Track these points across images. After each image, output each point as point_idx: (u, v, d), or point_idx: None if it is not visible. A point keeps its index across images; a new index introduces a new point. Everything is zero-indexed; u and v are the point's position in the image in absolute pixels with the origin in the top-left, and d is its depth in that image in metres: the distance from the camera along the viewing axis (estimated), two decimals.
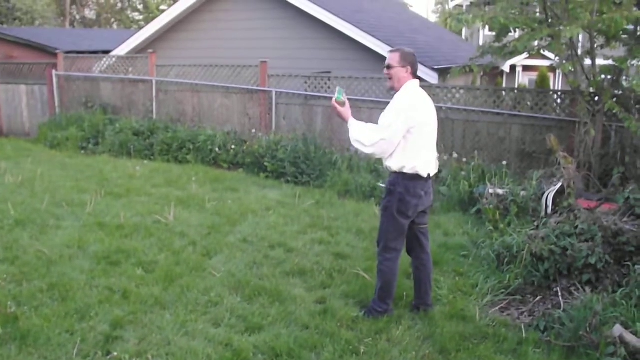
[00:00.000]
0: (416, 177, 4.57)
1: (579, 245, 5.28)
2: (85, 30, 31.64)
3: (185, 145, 11.13)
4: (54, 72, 14.03)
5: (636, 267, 4.86)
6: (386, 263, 4.76)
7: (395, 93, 4.65)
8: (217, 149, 10.76)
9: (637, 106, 7.72)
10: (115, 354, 4.15)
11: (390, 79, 4.66)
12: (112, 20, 43.32)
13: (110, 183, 9.19)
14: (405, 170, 4.56)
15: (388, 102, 4.68)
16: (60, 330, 4.42)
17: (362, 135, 4.57)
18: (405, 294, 5.14)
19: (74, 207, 7.72)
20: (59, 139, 12.61)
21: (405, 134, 4.48)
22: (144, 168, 10.36)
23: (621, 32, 7.95)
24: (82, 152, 12.15)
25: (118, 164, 10.80)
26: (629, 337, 4.01)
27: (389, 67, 4.64)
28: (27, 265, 5.65)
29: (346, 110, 4.70)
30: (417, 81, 4.70)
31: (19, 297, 4.96)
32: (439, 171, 5.12)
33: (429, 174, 4.65)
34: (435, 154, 4.88)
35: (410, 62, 4.61)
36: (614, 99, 7.73)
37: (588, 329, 4.26)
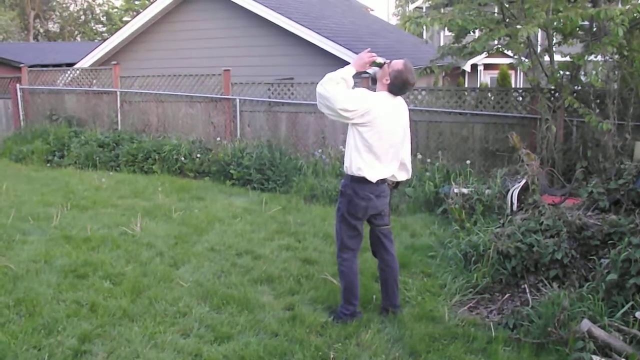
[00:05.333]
0: (363, 180, 4.59)
1: (545, 241, 5.33)
2: (49, 44, 31.34)
3: (151, 156, 11.04)
4: (18, 86, 13.92)
5: (602, 260, 4.90)
6: (345, 263, 4.80)
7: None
8: (182, 158, 10.69)
9: (597, 101, 7.87)
10: None
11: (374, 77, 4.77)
12: (76, 32, 42.89)
13: (76, 195, 9.07)
14: (354, 173, 4.59)
15: None
16: (27, 346, 4.35)
17: (330, 78, 4.50)
18: (374, 297, 5.16)
19: (40, 221, 7.61)
20: (24, 152, 12.41)
21: (358, 119, 4.46)
22: (110, 179, 10.25)
23: (577, 29, 8.13)
24: (48, 165, 11.97)
25: (84, 176, 10.66)
26: (597, 332, 4.03)
27: (384, 63, 4.67)
28: None
29: (361, 64, 4.62)
30: (388, 94, 4.67)
31: None
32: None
33: (379, 180, 4.66)
34: (406, 164, 4.92)
35: (396, 81, 4.58)
36: (574, 95, 7.89)
37: (556, 325, 4.29)
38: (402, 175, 4.95)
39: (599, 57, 7.91)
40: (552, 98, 8.37)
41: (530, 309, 4.71)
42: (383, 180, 4.72)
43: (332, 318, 4.83)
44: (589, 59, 7.79)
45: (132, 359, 4.24)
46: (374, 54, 4.63)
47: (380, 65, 4.67)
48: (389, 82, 4.62)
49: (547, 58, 8.50)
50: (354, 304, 4.84)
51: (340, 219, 4.76)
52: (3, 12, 33.26)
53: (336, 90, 4.43)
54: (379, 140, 4.55)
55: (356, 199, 4.63)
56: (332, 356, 4.28)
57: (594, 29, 8.06)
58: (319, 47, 12.32)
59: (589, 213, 5.81)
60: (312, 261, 6.20)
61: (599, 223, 5.42)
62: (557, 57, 8.49)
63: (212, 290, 5.37)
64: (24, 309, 4.96)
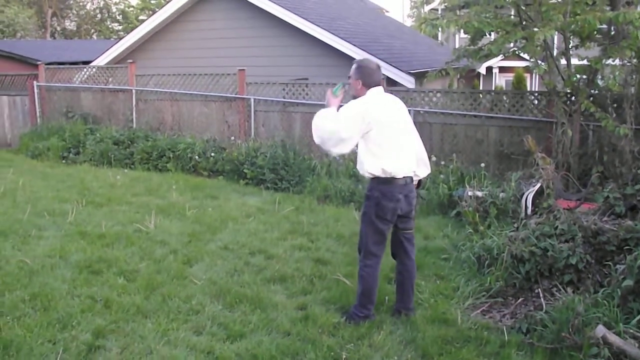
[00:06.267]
0: (391, 180, 4.58)
1: (560, 245, 5.28)
2: (65, 42, 31.60)
3: (165, 154, 11.10)
4: (35, 83, 14.03)
5: (617, 266, 4.85)
6: (366, 269, 4.76)
7: None
8: (196, 157, 10.73)
9: (614, 105, 7.81)
10: None
11: (351, 90, 4.80)
12: (92, 31, 43.15)
13: (91, 192, 9.14)
14: (378, 174, 4.57)
15: None
16: (42, 340, 4.39)
17: (319, 129, 4.56)
18: (387, 298, 5.15)
19: (55, 217, 7.68)
20: (40, 149, 12.56)
21: (362, 133, 4.50)
22: (125, 177, 10.31)
23: (595, 32, 8.06)
24: (63, 161, 12.07)
25: (99, 173, 10.75)
26: (613, 338, 3.98)
27: (348, 77, 4.79)
28: (9, 276, 5.61)
29: (334, 101, 4.70)
30: (377, 88, 4.71)
31: (1, 307, 4.94)
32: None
33: (406, 177, 4.66)
34: (424, 158, 4.92)
35: (363, 74, 4.68)
36: (590, 99, 7.82)
37: (570, 330, 4.24)
38: (423, 171, 4.93)
39: (617, 61, 7.85)
40: (569, 102, 8.31)
41: (544, 313, 4.67)
42: (409, 179, 4.70)
43: (344, 319, 4.82)
44: (606, 62, 7.74)
45: (146, 355, 4.26)
46: (328, 94, 4.76)
47: (344, 85, 4.79)
48: (360, 81, 4.68)
49: (563, 61, 8.44)
50: (368, 308, 4.82)
51: (368, 223, 4.71)
52: (21, 10, 33.52)
53: (329, 124, 4.51)
54: (388, 136, 4.56)
55: (384, 200, 4.60)
56: (344, 357, 4.28)
57: (612, 33, 7.99)
58: (335, 48, 12.31)
59: (605, 218, 5.75)
60: (325, 261, 6.20)
61: (614, 228, 5.36)
62: (574, 61, 8.43)
63: (225, 288, 5.39)
64: (39, 304, 5.01)
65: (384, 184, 4.59)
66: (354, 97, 4.73)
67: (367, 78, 4.69)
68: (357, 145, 4.65)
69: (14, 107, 14.72)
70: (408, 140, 4.76)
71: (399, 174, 4.60)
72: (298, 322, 4.77)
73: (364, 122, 4.48)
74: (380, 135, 4.52)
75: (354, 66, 4.75)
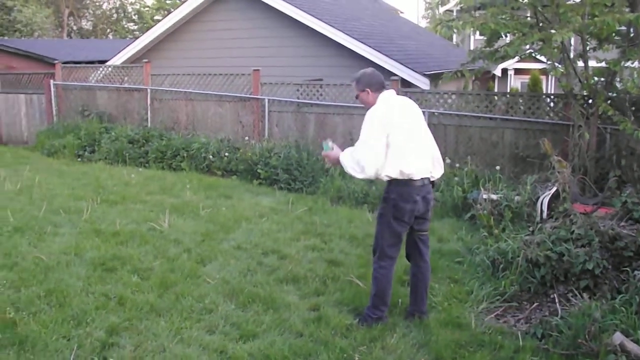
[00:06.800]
0: (409, 182, 4.56)
1: (576, 250, 5.23)
2: (82, 41, 31.88)
3: (180, 153, 11.14)
4: (51, 81, 14.15)
5: (635, 272, 4.81)
6: (381, 270, 4.75)
7: None
8: (210, 157, 10.75)
9: (632, 108, 7.73)
10: None
11: (364, 105, 4.78)
12: (108, 30, 43.38)
13: (106, 190, 9.18)
14: (396, 176, 4.55)
15: None
16: (57, 336, 4.43)
17: (352, 163, 4.57)
18: (400, 301, 5.13)
19: (70, 214, 7.73)
20: (56, 146, 12.67)
21: (386, 140, 4.49)
22: (139, 175, 10.35)
23: (613, 34, 7.98)
24: (79, 159, 12.16)
25: (113, 171, 10.81)
26: (630, 346, 3.94)
27: (356, 96, 4.81)
28: (25, 272, 5.66)
29: (335, 153, 4.74)
30: (390, 91, 4.73)
31: (18, 302, 4.98)
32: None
33: (423, 179, 4.64)
34: (439, 158, 4.89)
35: (367, 83, 4.70)
36: (608, 102, 7.75)
37: (587, 337, 4.19)
38: (438, 171, 4.89)
39: (636, 63, 7.77)
40: (586, 104, 8.23)
41: (559, 319, 4.63)
42: (427, 180, 4.68)
43: (357, 320, 4.80)
44: (625, 65, 7.65)
45: (159, 353, 4.27)
46: (326, 155, 4.82)
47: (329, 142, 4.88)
48: (367, 89, 4.70)
49: (581, 63, 8.36)
50: (381, 310, 4.80)
51: (385, 225, 4.69)
52: (39, 10, 33.77)
53: (358, 155, 4.54)
54: (404, 138, 4.54)
55: (402, 202, 4.58)
56: (356, 359, 4.27)
57: (632, 34, 7.91)
58: (349, 49, 12.28)
59: (622, 223, 5.69)
60: (338, 263, 6.19)
61: (632, 234, 5.30)
62: (592, 63, 8.35)
63: (238, 288, 5.39)
64: (54, 300, 5.05)
65: (401, 186, 4.57)
66: (368, 108, 4.72)
67: (371, 82, 4.70)
68: None
69: (30, 106, 14.89)
70: (424, 141, 4.75)
71: (417, 175, 4.58)
72: (311, 323, 4.76)
73: (384, 130, 4.47)
74: (397, 138, 4.49)
75: (353, 83, 4.79)
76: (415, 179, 4.57)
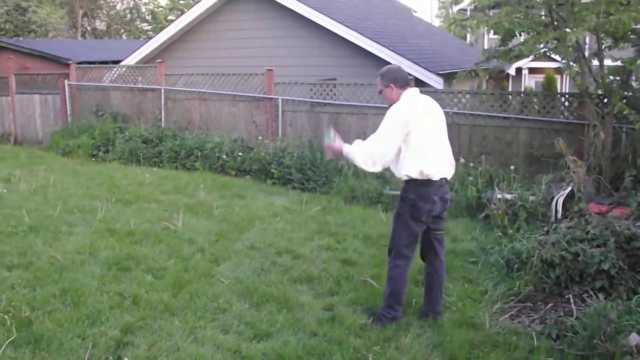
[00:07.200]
0: (428, 182, 4.55)
1: (591, 250, 5.19)
2: (96, 41, 32.07)
3: (193, 153, 11.18)
4: (66, 82, 14.26)
5: None
6: (397, 270, 4.74)
7: None
8: (224, 156, 10.78)
9: None
10: (126, 359, 4.17)
11: (386, 101, 4.79)
12: (122, 31, 43.58)
13: (120, 190, 9.24)
14: (415, 176, 4.54)
15: None
16: (72, 335, 4.45)
17: (364, 156, 4.58)
18: (414, 301, 5.11)
19: (85, 214, 7.78)
20: (71, 146, 12.77)
21: (404, 137, 4.48)
22: (153, 175, 10.41)
23: (629, 33, 7.90)
24: (93, 159, 12.25)
25: (127, 171, 10.87)
26: None
27: (379, 91, 4.81)
28: (41, 271, 5.69)
29: (338, 144, 4.75)
30: (414, 89, 4.72)
31: (33, 301, 5.01)
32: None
33: (441, 179, 4.63)
34: (451, 159, 4.87)
35: (392, 79, 4.69)
36: (624, 101, 7.68)
37: (602, 338, 4.16)
38: (451, 171, 4.88)
39: None
40: (601, 104, 8.17)
41: (574, 319, 4.60)
42: (444, 180, 4.67)
43: (371, 320, 4.80)
44: None
45: (173, 353, 4.28)
46: (329, 145, 4.80)
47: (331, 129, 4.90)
48: (392, 85, 4.70)
49: (596, 62, 8.31)
50: (396, 310, 4.80)
51: (403, 225, 4.68)
52: (53, 11, 33.98)
53: (370, 148, 4.56)
54: (426, 137, 4.54)
55: (420, 202, 4.58)
56: (370, 359, 4.26)
57: None
58: (362, 48, 12.28)
59: (638, 223, 5.64)
60: (352, 262, 6.18)
61: None
62: (607, 62, 8.29)
63: (252, 287, 5.40)
64: (69, 299, 5.08)
65: (420, 186, 4.55)
66: (391, 105, 4.71)
67: (397, 78, 4.70)
68: None
69: (45, 106, 15.02)
70: (444, 141, 4.75)
71: (436, 175, 4.57)
72: (325, 323, 4.76)
73: (406, 126, 4.47)
74: (418, 136, 4.49)
75: (378, 77, 4.78)
76: (434, 179, 4.56)
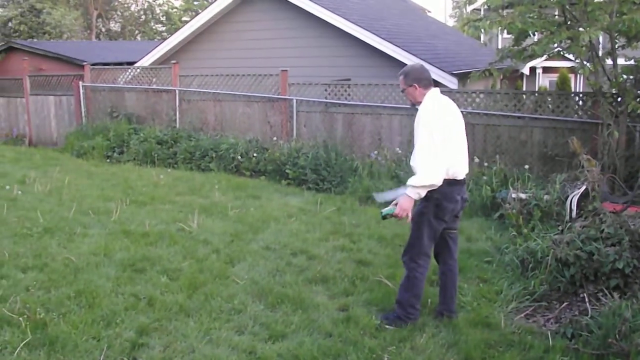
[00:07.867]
0: (453, 182, 4.57)
1: (606, 249, 5.18)
2: (110, 43, 32.21)
3: (208, 154, 11.23)
4: (80, 83, 14.35)
5: None
6: (420, 269, 4.74)
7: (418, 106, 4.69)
8: (239, 157, 10.82)
9: None
10: None
11: (410, 99, 4.80)
12: (136, 32, 43.78)
13: (135, 191, 9.30)
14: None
15: (407, 108, 4.73)
16: (87, 336, 4.48)
17: (429, 178, 4.42)
18: (429, 301, 5.12)
19: (100, 215, 7.83)
20: (85, 148, 12.84)
21: (443, 137, 4.47)
22: (168, 176, 10.46)
23: None
24: (108, 160, 12.33)
25: (142, 172, 10.93)
26: None
27: (402, 90, 4.81)
28: (55, 272, 5.74)
29: (403, 200, 4.55)
30: (436, 89, 4.72)
31: (48, 303, 5.05)
32: None
33: (464, 178, 4.68)
34: (466, 157, 4.88)
35: (415, 78, 4.68)
36: (637, 100, 7.64)
37: (617, 337, 4.15)
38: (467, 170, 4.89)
39: None
40: (615, 103, 8.14)
41: (589, 318, 4.59)
42: (464, 180, 4.71)
43: (386, 322, 4.79)
44: None
45: (188, 354, 4.31)
46: (399, 212, 4.58)
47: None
48: (415, 85, 4.67)
49: (609, 61, 8.28)
50: (416, 309, 4.80)
51: (425, 224, 4.67)
52: (68, 12, 34.21)
53: (427, 166, 4.40)
54: (451, 138, 4.56)
55: (445, 202, 4.59)
56: (385, 359, 4.27)
57: None
58: (376, 49, 12.27)
59: None
60: (367, 263, 6.20)
61: None
62: (621, 61, 8.25)
63: (267, 288, 5.42)
64: (84, 300, 5.11)
65: (446, 186, 4.53)
66: (414, 105, 4.73)
67: (421, 77, 4.69)
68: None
69: (60, 107, 15.14)
70: (465, 141, 4.77)
71: (460, 175, 4.61)
72: (340, 324, 4.77)
73: (443, 131, 4.45)
74: (445, 137, 4.49)
75: (401, 77, 4.75)
76: (459, 178, 4.60)
